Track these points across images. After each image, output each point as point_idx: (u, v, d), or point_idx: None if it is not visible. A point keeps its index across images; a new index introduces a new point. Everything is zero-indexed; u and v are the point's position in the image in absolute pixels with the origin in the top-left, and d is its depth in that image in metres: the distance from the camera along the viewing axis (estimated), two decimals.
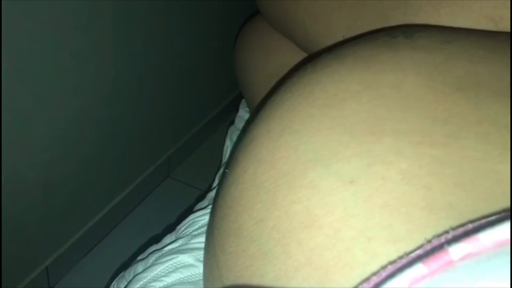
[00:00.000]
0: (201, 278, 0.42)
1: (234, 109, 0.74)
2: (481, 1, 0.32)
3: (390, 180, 0.20)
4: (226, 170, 0.30)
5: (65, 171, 0.87)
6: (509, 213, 0.16)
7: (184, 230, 0.49)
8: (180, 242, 0.46)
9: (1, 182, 0.73)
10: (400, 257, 0.18)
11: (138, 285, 0.42)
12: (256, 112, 0.30)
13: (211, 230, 0.29)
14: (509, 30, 0.31)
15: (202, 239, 0.45)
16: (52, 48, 0.74)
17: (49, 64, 0.75)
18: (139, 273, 0.43)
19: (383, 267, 0.18)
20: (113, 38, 0.86)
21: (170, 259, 0.43)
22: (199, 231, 0.47)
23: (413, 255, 0.17)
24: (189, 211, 0.54)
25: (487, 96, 0.22)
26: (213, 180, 0.62)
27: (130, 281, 0.43)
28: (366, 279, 0.18)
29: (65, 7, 0.73)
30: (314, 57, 0.30)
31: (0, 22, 0.63)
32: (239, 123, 0.67)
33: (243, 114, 0.69)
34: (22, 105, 0.73)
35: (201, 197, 0.58)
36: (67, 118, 0.83)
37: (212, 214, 0.30)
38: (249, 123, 0.31)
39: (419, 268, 0.15)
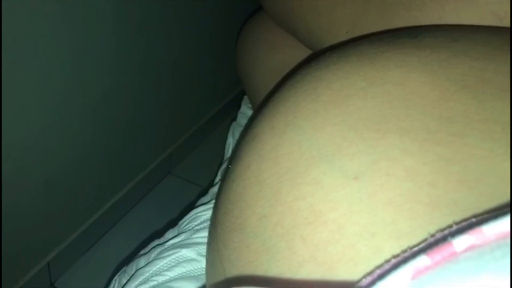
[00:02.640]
0: (203, 272, 0.43)
1: (236, 106, 0.74)
2: None
3: (394, 176, 0.20)
4: (229, 166, 0.30)
5: (67, 167, 0.87)
6: None
7: (186, 225, 0.49)
8: (182, 236, 0.46)
9: (1, 178, 0.73)
10: (404, 251, 0.18)
11: (140, 279, 0.42)
12: (259, 109, 0.31)
13: (214, 225, 0.29)
14: None
15: (204, 233, 0.46)
16: (53, 45, 0.74)
17: (49, 60, 0.75)
18: (141, 268, 0.43)
19: (387, 261, 0.18)
20: (114, 34, 0.86)
21: (172, 254, 0.44)
22: (201, 226, 0.47)
23: (416, 248, 0.17)
24: (191, 207, 0.54)
25: (492, 94, 0.22)
26: (215, 176, 0.63)
27: (132, 275, 0.43)
28: (370, 273, 0.18)
29: (65, 6, 0.73)
30: (318, 56, 0.30)
31: (0, 21, 0.63)
32: (241, 119, 0.67)
33: (245, 110, 0.69)
34: (23, 101, 0.73)
35: (203, 193, 0.59)
36: (69, 115, 0.83)
37: (215, 209, 0.30)
38: (252, 120, 0.31)
39: (422, 259, 0.15)
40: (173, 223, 0.53)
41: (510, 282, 0.13)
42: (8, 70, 0.67)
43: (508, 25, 0.31)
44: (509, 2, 0.31)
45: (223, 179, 0.31)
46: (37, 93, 0.75)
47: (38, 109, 0.76)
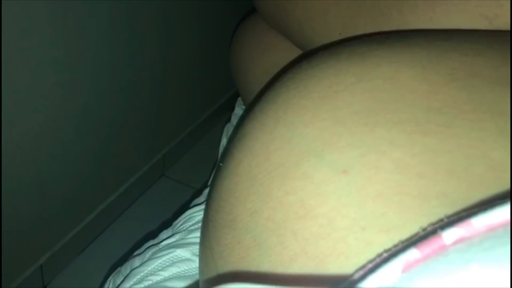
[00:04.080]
0: (197, 272, 0.43)
1: (230, 107, 0.74)
2: (476, 0, 0.32)
3: (383, 169, 0.20)
4: (221, 164, 0.30)
5: (60, 169, 0.87)
6: (502, 200, 0.17)
7: (180, 225, 0.49)
8: (177, 237, 0.46)
9: (1, 179, 0.73)
10: (395, 245, 0.18)
11: (135, 279, 0.42)
12: (250, 107, 0.31)
13: (206, 223, 0.30)
14: (503, 28, 0.31)
15: (199, 234, 0.46)
16: (48, 47, 0.74)
17: (44, 63, 0.75)
18: (136, 268, 0.43)
19: (379, 255, 0.18)
20: (109, 36, 0.86)
21: (167, 254, 0.44)
22: (196, 226, 0.47)
23: (407, 242, 0.17)
24: (184, 209, 0.54)
25: (481, 86, 0.22)
26: (209, 177, 0.63)
27: (127, 275, 0.43)
28: (362, 267, 0.18)
29: (62, 6, 0.73)
30: (309, 55, 0.30)
31: (0, 21, 0.63)
32: (235, 120, 0.67)
33: (239, 112, 0.69)
34: (16, 104, 0.73)
35: (197, 194, 0.59)
36: (62, 117, 0.83)
37: (207, 207, 0.30)
38: (243, 118, 0.31)
39: (412, 253, 0.15)
40: (167, 224, 0.53)
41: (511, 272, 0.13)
42: (4, 72, 0.67)
43: (497, 27, 0.31)
44: (498, 4, 0.31)
45: (214, 177, 0.31)
46: (30, 95, 0.75)
47: (30, 112, 0.76)
